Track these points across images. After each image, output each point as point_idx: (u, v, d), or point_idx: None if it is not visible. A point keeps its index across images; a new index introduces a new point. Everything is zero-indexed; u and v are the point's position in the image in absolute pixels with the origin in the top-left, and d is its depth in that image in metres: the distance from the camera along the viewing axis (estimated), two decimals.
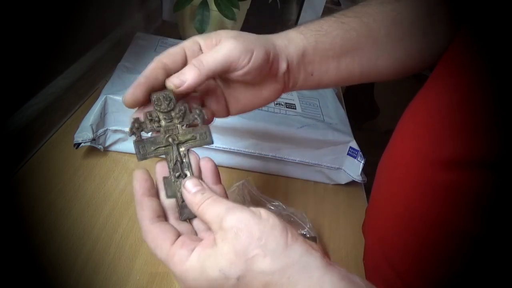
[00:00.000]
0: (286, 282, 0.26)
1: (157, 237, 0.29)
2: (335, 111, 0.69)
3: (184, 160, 0.34)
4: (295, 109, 0.67)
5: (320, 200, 0.63)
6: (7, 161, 0.52)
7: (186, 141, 0.34)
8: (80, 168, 0.57)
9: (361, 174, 0.62)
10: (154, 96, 0.34)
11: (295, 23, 1.17)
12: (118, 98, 0.57)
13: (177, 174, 0.33)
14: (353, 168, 0.62)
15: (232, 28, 0.88)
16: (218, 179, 0.34)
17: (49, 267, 0.43)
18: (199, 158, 0.35)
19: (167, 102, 0.34)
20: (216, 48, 0.35)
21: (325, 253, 0.30)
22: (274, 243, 0.27)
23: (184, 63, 0.36)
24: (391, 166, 0.43)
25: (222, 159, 0.62)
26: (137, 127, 0.33)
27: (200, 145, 0.35)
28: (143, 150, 0.33)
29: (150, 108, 0.34)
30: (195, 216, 0.32)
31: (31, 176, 0.54)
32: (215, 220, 0.28)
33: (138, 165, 0.33)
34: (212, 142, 0.35)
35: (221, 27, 0.87)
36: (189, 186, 0.31)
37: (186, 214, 0.33)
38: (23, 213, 0.48)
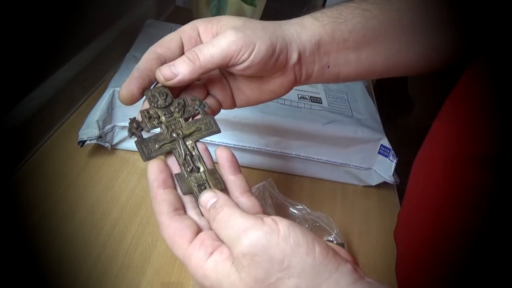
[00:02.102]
0: None
1: (174, 235, 0.29)
2: (365, 106, 0.68)
3: (193, 153, 0.33)
4: (321, 103, 0.65)
5: (348, 204, 0.62)
6: (5, 161, 0.51)
7: (191, 133, 0.34)
8: (85, 169, 0.56)
9: (393, 174, 0.60)
10: (148, 93, 0.34)
11: (322, 7, 1.15)
12: None
13: (189, 169, 0.33)
14: (385, 168, 0.61)
15: (252, 16, 0.87)
16: (237, 168, 0.34)
17: (51, 276, 0.43)
18: (215, 148, 0.34)
19: (163, 97, 0.34)
20: (215, 40, 0.34)
21: (355, 262, 0.29)
22: (299, 264, 0.26)
23: (181, 51, 0.36)
24: (428, 166, 0.42)
25: (241, 158, 0.63)
26: (136, 127, 0.33)
27: (206, 136, 0.35)
28: (147, 150, 0.32)
29: (146, 106, 0.34)
30: None
31: (31, 177, 0.53)
32: (229, 242, 0.28)
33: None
34: (219, 131, 0.35)
35: (239, 13, 0.86)
36: (203, 201, 0.30)
37: None
38: (21, 218, 0.48)
